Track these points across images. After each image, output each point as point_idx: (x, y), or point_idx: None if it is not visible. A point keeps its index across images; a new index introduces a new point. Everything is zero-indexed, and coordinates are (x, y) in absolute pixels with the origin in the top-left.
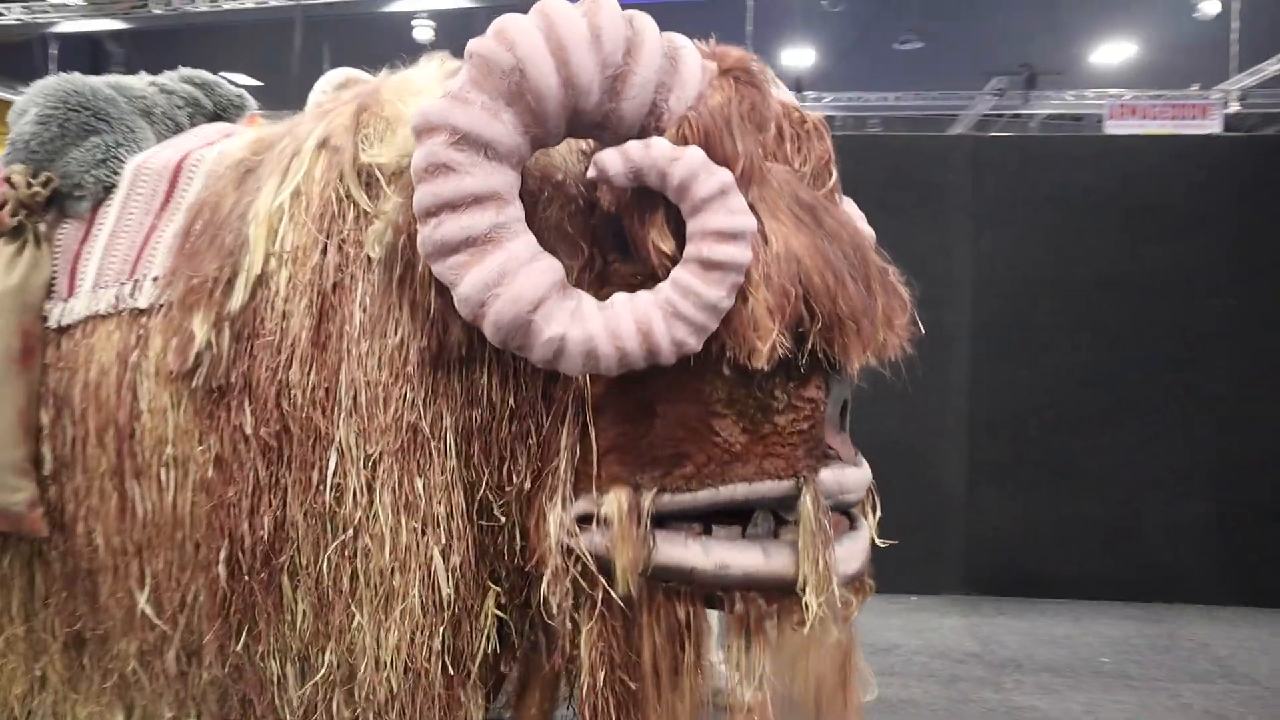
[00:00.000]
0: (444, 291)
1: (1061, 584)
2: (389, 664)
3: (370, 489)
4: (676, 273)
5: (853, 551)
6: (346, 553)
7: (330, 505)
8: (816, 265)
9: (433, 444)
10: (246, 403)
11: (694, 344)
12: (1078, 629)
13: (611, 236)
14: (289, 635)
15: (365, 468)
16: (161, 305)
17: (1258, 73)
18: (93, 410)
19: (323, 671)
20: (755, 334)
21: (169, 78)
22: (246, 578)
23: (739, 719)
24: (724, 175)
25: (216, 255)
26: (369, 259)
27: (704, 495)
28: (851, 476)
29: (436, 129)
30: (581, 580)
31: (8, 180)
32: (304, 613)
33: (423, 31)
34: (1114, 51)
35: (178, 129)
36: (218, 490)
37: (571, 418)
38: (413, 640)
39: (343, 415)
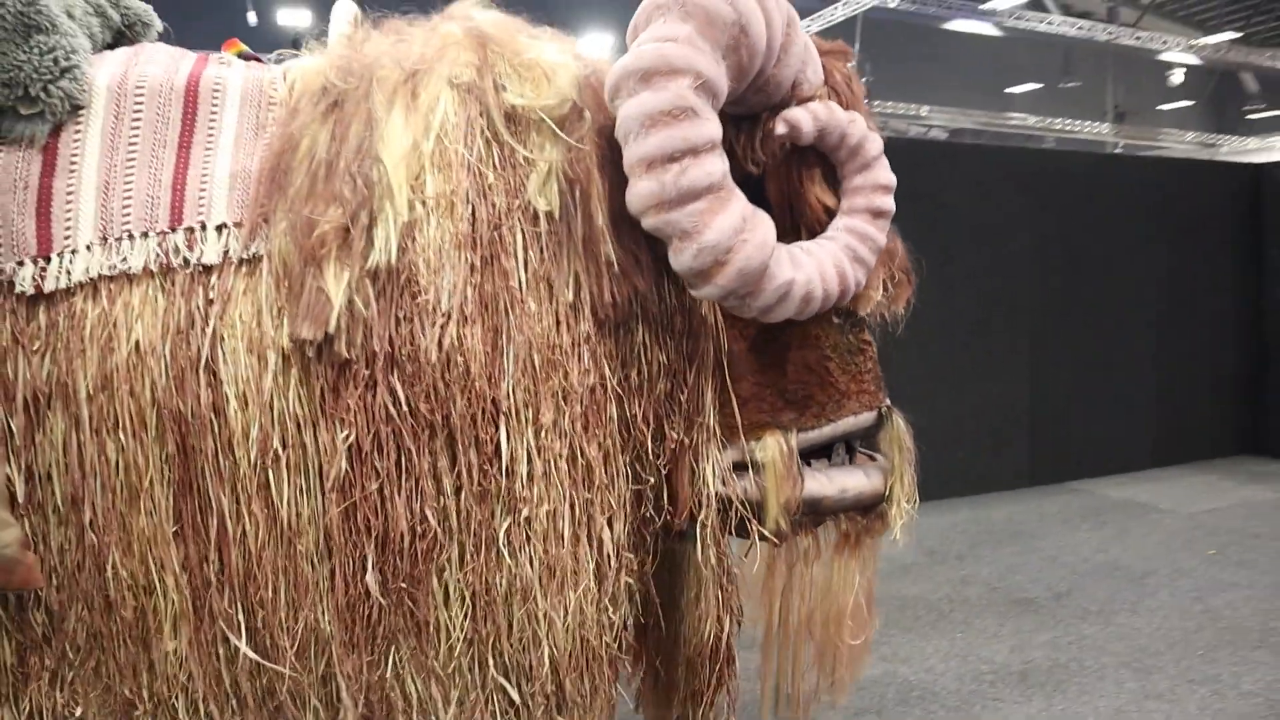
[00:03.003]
0: (630, 245)
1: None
2: (565, 650)
3: (543, 460)
4: (850, 222)
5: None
6: (516, 535)
7: (500, 483)
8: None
9: (602, 407)
10: (395, 374)
11: (862, 284)
12: None
13: None
14: (440, 648)
15: (536, 437)
16: (248, 259)
17: None
18: (123, 406)
19: (481, 684)
20: (868, 284)
21: None
22: (396, 587)
23: (846, 623)
24: (879, 138)
25: (333, 199)
26: (530, 210)
27: (826, 430)
28: None
29: (680, 72)
30: (715, 528)
31: None
32: (459, 618)
33: None
34: (600, 41)
35: (90, 40)
36: (355, 487)
37: (713, 372)
38: (584, 619)
39: (510, 381)
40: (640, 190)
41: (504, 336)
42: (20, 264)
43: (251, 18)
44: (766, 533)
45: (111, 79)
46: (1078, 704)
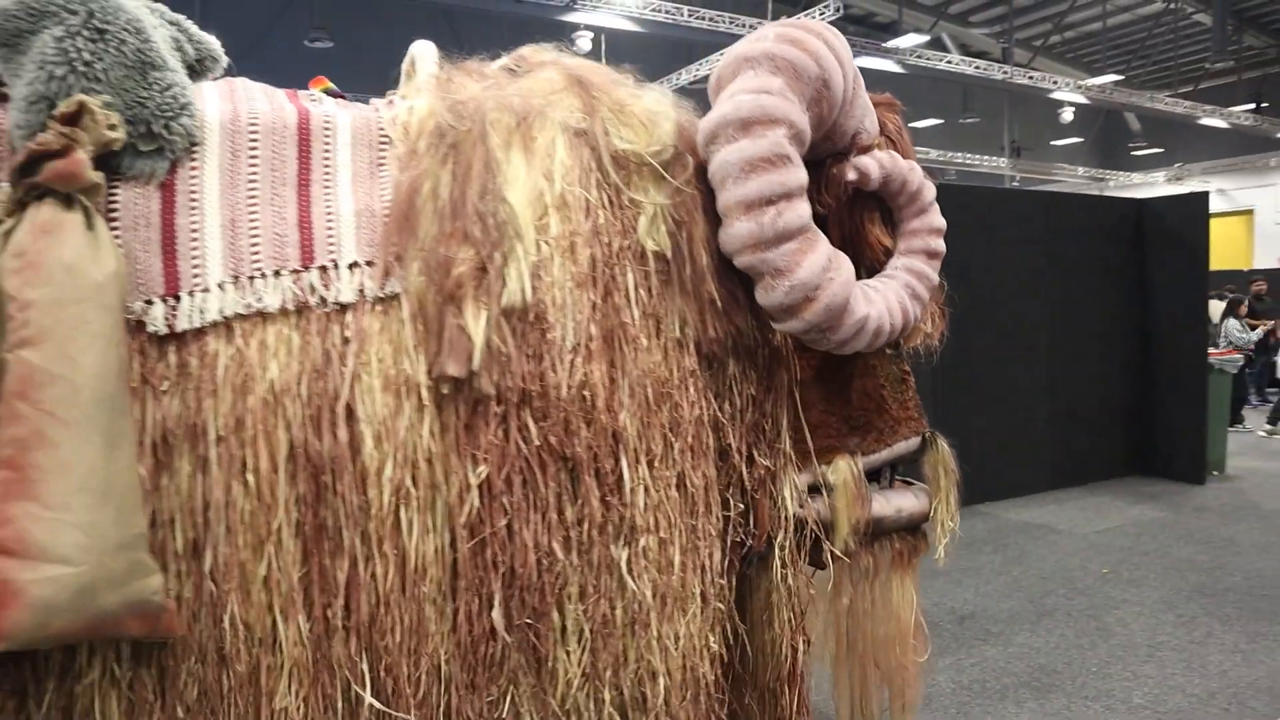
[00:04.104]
0: (729, 284)
1: None
2: (678, 680)
3: (656, 489)
4: (908, 261)
5: None
6: (634, 564)
7: (620, 513)
8: None
9: (704, 438)
10: (527, 410)
11: (919, 319)
12: None
13: None
14: (559, 684)
15: (650, 468)
16: (383, 298)
17: None
18: (255, 447)
19: (603, 712)
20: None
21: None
22: (521, 622)
23: (910, 641)
24: (932, 185)
25: (464, 240)
26: (639, 250)
27: (883, 454)
28: None
29: (778, 122)
30: (785, 548)
31: (68, 117)
32: (576, 653)
33: None
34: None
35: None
36: (485, 523)
37: (787, 401)
38: (694, 647)
39: (627, 414)
40: (738, 231)
41: (620, 371)
42: (149, 302)
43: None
44: (837, 551)
45: (223, 115)
46: None
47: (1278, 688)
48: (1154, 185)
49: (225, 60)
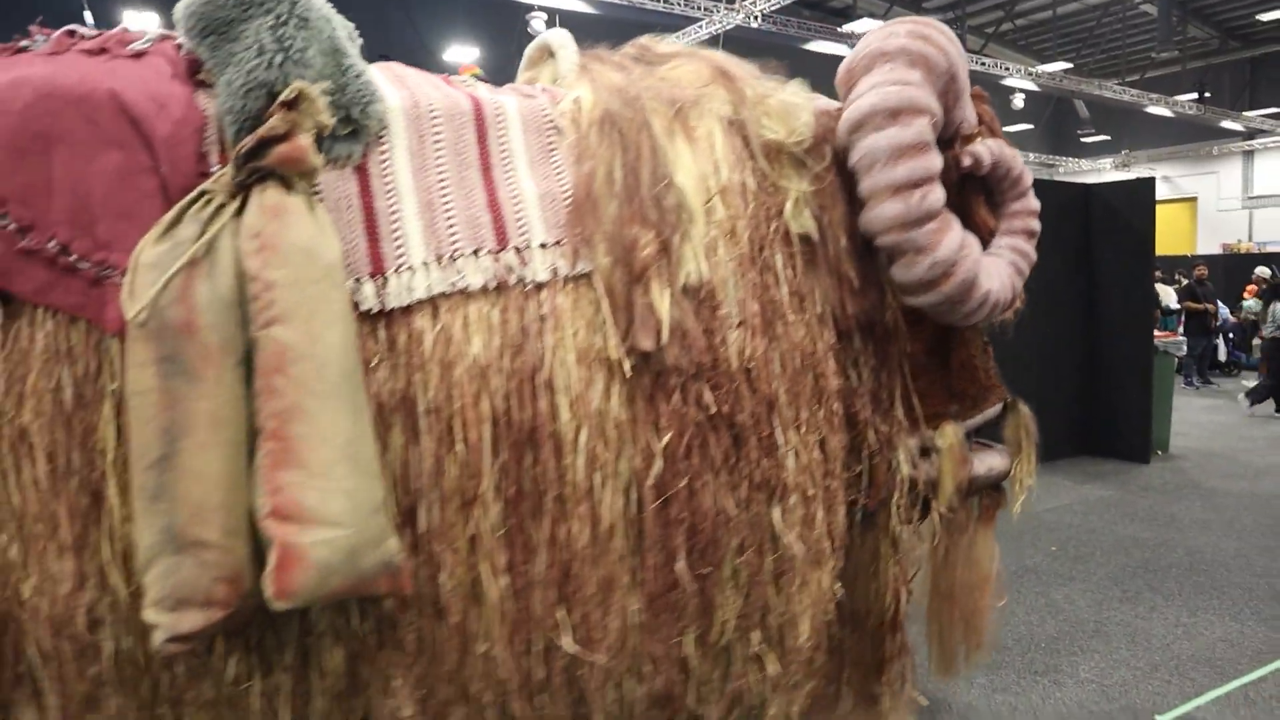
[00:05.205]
0: (862, 264)
1: None
2: (813, 625)
3: (804, 452)
4: (1011, 241)
5: None
6: (785, 520)
7: (774, 474)
8: None
9: (838, 406)
10: (703, 380)
11: (1019, 294)
12: None
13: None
14: (716, 627)
15: (797, 432)
16: (573, 277)
17: None
18: (461, 419)
19: (745, 659)
20: None
21: None
22: (698, 574)
23: (990, 589)
24: (1029, 170)
25: (643, 222)
26: (786, 232)
27: (976, 419)
28: None
29: (923, 112)
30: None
31: (289, 103)
32: (733, 600)
33: None
34: (462, 53)
35: None
36: (668, 485)
37: (899, 371)
38: (824, 595)
39: (779, 383)
40: (885, 212)
41: (774, 345)
42: (358, 281)
43: (89, 17)
44: (943, 509)
45: (404, 101)
46: (931, 703)
47: (1217, 659)
48: (1102, 172)
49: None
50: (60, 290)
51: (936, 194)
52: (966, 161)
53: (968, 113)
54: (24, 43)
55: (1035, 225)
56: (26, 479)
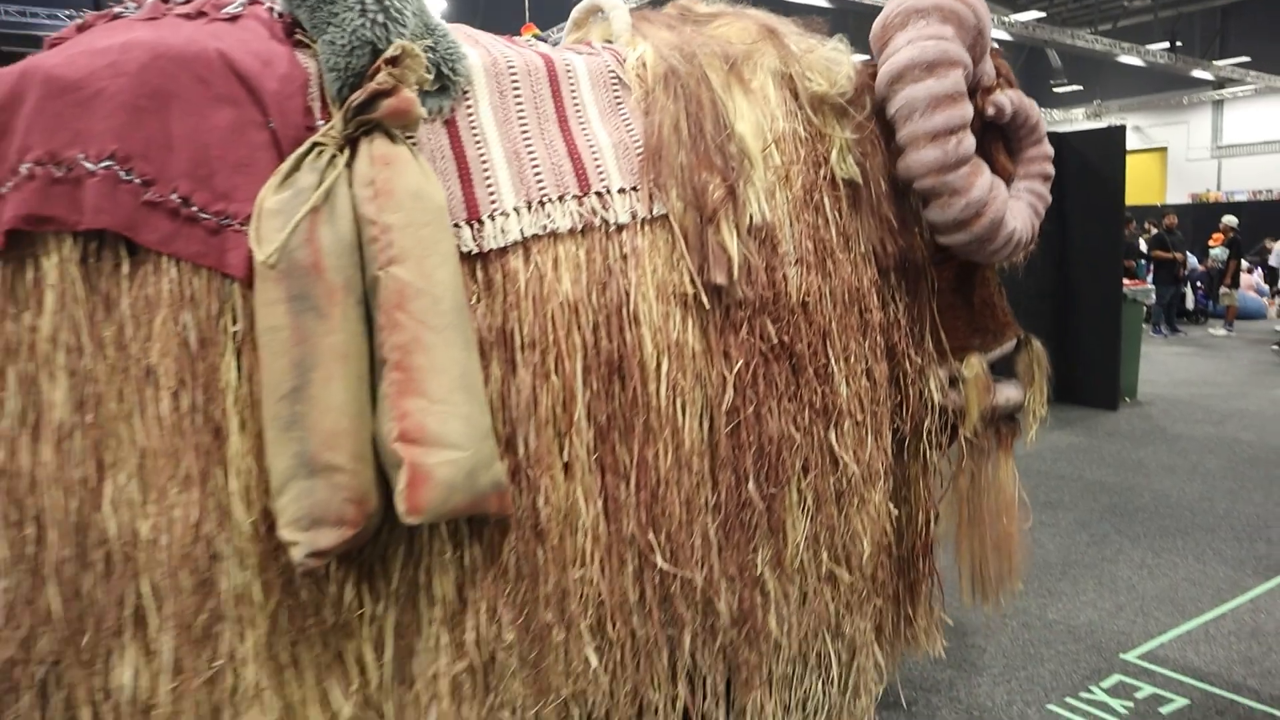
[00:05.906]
0: (899, 207)
1: None
2: (876, 541)
3: (855, 380)
4: (1030, 184)
5: None
6: (842, 442)
7: (830, 401)
8: None
9: (879, 339)
10: (766, 314)
11: (1036, 234)
12: None
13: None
14: (789, 548)
15: (848, 363)
16: (649, 219)
17: None
18: (555, 352)
19: (817, 576)
20: None
21: None
22: (768, 494)
23: (1015, 512)
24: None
25: (711, 168)
26: (832, 177)
27: (996, 353)
28: None
29: (957, 64)
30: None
31: (393, 60)
32: (801, 520)
33: None
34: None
35: None
36: (738, 411)
37: (928, 306)
38: (881, 513)
39: (832, 317)
40: (924, 157)
41: (826, 280)
42: (456, 225)
43: None
44: (968, 434)
45: (484, 59)
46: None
47: (1179, 598)
48: (1074, 122)
49: None
50: (183, 239)
51: (969, 141)
52: (990, 111)
53: (987, 66)
54: (118, 9)
55: (1050, 169)
56: (151, 416)
